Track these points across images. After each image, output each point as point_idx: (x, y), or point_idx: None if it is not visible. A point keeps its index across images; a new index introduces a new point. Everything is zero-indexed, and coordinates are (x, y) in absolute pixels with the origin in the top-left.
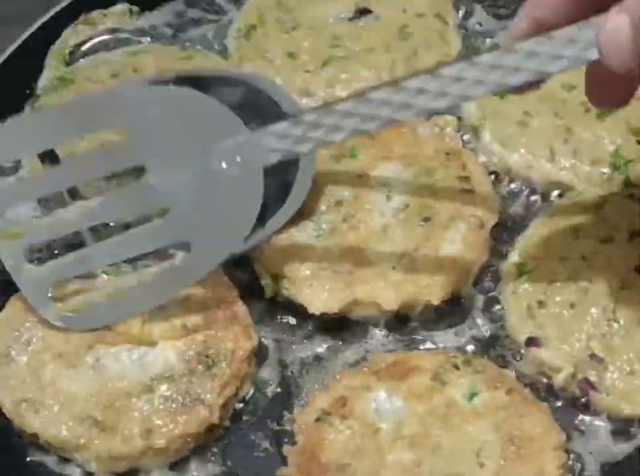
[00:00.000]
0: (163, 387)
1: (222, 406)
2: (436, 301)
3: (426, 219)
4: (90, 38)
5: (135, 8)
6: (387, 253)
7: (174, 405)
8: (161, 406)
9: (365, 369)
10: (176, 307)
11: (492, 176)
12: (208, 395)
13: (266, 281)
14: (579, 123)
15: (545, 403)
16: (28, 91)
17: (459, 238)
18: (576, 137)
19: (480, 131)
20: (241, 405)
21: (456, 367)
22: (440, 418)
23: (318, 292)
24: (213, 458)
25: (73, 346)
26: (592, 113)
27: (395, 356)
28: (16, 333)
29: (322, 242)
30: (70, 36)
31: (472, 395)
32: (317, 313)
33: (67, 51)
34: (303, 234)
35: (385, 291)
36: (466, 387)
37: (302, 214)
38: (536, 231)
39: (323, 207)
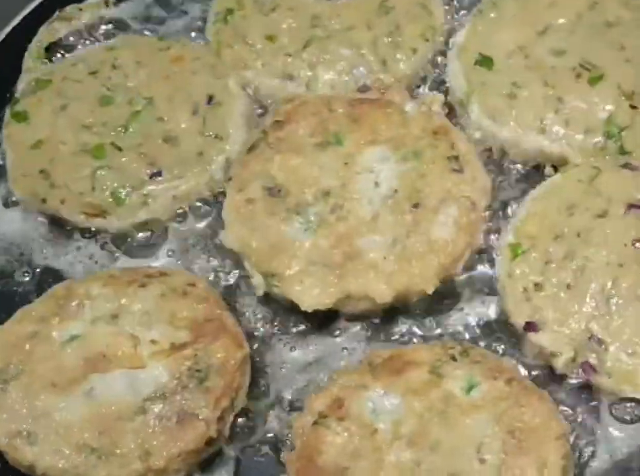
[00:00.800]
0: (156, 407)
1: (219, 419)
2: (430, 290)
3: (416, 205)
4: (67, 35)
5: (111, 1)
6: (378, 242)
7: (169, 423)
8: (157, 426)
9: (361, 366)
10: (164, 326)
11: (483, 152)
12: (203, 410)
13: (256, 280)
14: (570, 91)
15: (546, 391)
16: (7, 94)
17: (451, 221)
18: (568, 106)
19: (468, 105)
20: (238, 412)
21: (453, 358)
22: (438, 414)
23: (309, 288)
24: (213, 465)
25: (66, 376)
26: (583, 79)
27: (390, 351)
28: (6, 364)
29: (310, 235)
30: (46, 34)
31: (470, 387)
32: (309, 310)
33: (43, 50)
34: (290, 228)
35: (377, 283)
36: (464, 379)
37: (289, 207)
38: (530, 208)
39: (310, 199)
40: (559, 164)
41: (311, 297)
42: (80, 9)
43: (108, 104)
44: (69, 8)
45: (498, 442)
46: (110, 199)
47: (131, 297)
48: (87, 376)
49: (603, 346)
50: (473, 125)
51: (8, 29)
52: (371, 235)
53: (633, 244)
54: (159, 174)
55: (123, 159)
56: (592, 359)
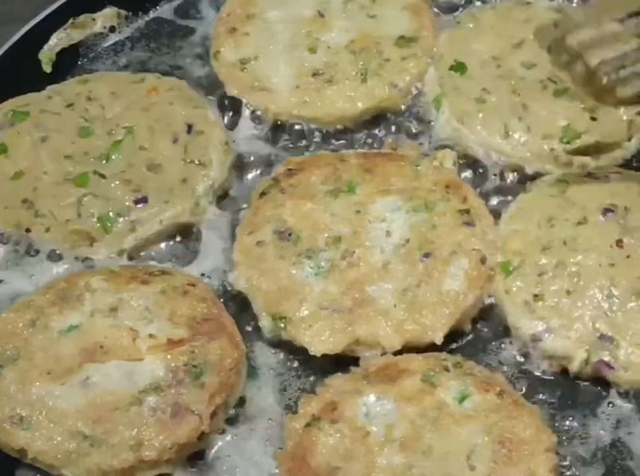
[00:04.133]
0: (151, 399)
1: (212, 414)
2: (439, 341)
3: (427, 255)
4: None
5: (124, 12)
6: (388, 290)
7: (163, 416)
8: (150, 418)
9: (356, 373)
10: (163, 322)
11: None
12: (198, 405)
13: (263, 322)
14: (535, 101)
15: (536, 406)
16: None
17: (462, 273)
18: (532, 114)
19: (439, 107)
20: (232, 412)
21: (447, 369)
22: (430, 421)
23: (318, 333)
24: (205, 464)
25: (63, 365)
26: (549, 90)
27: (385, 359)
28: (2, 350)
29: (321, 280)
30: (58, 40)
31: (463, 398)
32: (318, 354)
33: (55, 55)
34: (301, 272)
35: (387, 331)
36: (457, 389)
37: (300, 252)
38: (510, 226)
39: (322, 244)
40: (518, 170)
41: (320, 342)
42: (94, 19)
43: (88, 135)
44: (82, 17)
45: (489, 451)
46: (97, 225)
47: (132, 292)
48: (83, 366)
49: (614, 343)
50: (443, 127)
51: (22, 32)
52: (382, 282)
53: (618, 245)
54: (144, 200)
55: (108, 186)
56: (606, 356)
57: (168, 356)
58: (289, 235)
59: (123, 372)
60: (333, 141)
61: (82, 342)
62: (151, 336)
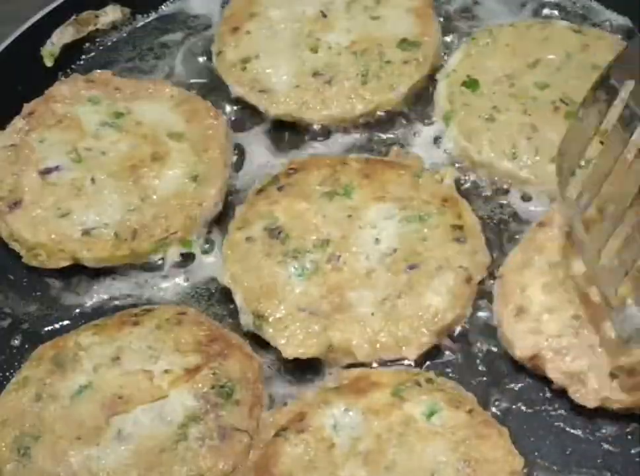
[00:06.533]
0: (194, 430)
1: (256, 427)
2: (412, 358)
3: (413, 266)
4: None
5: (127, 10)
6: (368, 298)
7: (212, 442)
8: (201, 448)
9: (328, 384)
10: (171, 355)
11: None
12: (241, 421)
13: (244, 319)
14: (546, 122)
15: (505, 428)
16: (20, 87)
17: (445, 289)
18: (541, 135)
19: (448, 122)
20: None
21: (418, 384)
22: (396, 436)
23: (292, 335)
24: None
25: (89, 427)
26: (560, 112)
27: (357, 372)
28: (20, 432)
29: (303, 281)
30: (59, 36)
31: (431, 413)
32: (290, 358)
33: (58, 49)
34: (285, 272)
35: (361, 340)
36: (426, 404)
37: (287, 251)
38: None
39: (309, 246)
40: (524, 189)
41: (293, 347)
42: (96, 16)
43: None
44: (85, 14)
45: (453, 470)
46: None
47: (127, 337)
48: (110, 421)
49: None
50: (451, 142)
51: (24, 28)
52: (363, 289)
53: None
54: None
55: None
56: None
57: (193, 385)
58: (279, 233)
59: (152, 414)
60: (334, 142)
61: (98, 398)
62: (166, 371)
